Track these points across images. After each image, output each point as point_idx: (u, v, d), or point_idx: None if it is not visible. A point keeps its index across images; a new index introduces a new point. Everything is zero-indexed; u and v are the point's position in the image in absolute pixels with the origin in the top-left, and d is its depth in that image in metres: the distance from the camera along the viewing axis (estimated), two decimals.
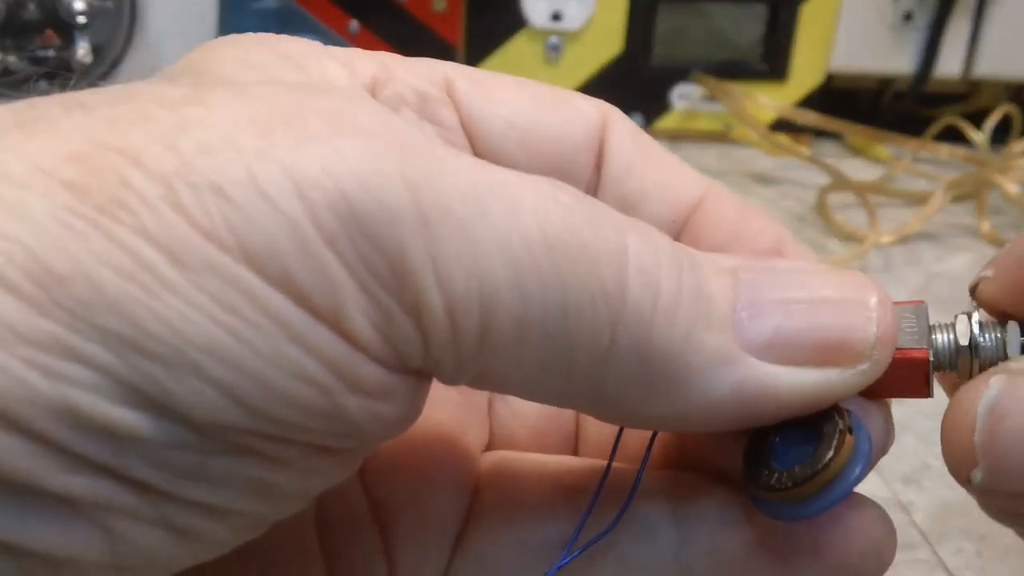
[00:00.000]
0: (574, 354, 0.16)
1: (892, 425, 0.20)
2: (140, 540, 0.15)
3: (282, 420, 0.15)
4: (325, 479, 0.17)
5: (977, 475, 0.17)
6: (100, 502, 0.14)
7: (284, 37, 0.20)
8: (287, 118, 0.15)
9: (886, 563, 0.20)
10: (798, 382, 0.17)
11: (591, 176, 0.21)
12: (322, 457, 0.16)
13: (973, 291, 0.20)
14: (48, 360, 0.13)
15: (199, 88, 0.15)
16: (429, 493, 0.22)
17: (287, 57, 0.19)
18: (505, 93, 0.21)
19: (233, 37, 0.19)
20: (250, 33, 0.20)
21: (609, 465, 0.21)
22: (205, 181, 0.14)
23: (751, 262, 0.18)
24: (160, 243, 0.14)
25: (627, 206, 0.21)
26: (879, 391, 0.19)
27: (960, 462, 0.17)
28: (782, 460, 0.18)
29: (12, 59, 0.53)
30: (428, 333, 0.15)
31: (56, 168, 0.14)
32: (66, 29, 0.55)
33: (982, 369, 0.18)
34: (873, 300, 0.18)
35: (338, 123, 0.15)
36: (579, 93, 0.22)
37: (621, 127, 0.22)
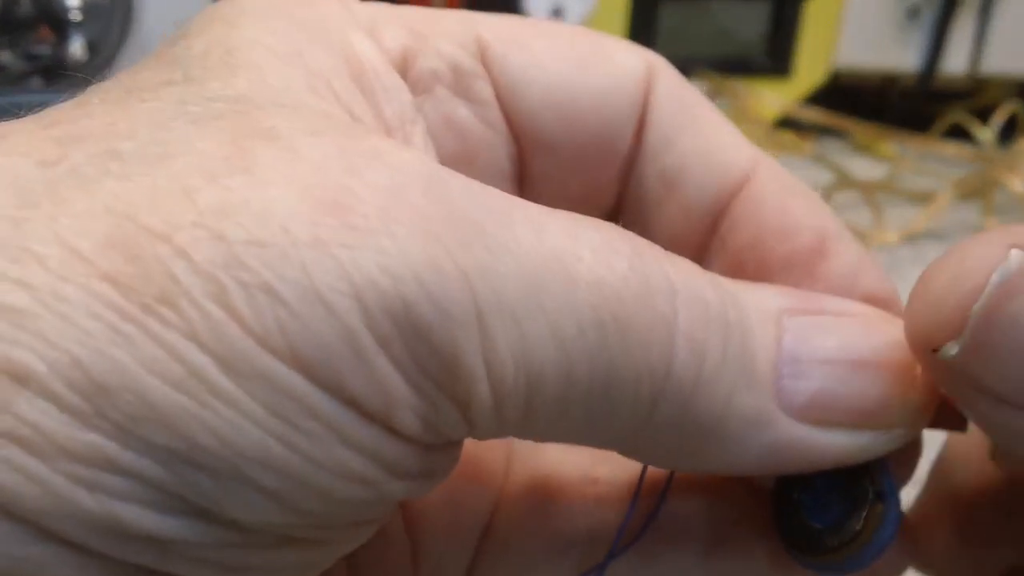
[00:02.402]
0: (612, 421, 0.16)
1: (921, 452, 0.20)
2: None
3: (326, 513, 0.14)
4: (358, 542, 0.17)
5: (953, 348, 0.15)
6: None
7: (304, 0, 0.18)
8: (338, 196, 0.14)
9: (905, 568, 0.20)
10: (831, 444, 0.17)
11: (631, 144, 0.20)
12: (358, 528, 0.16)
13: None
14: (92, 475, 0.12)
15: (242, 139, 0.14)
16: (456, 481, 0.21)
17: (313, 34, 0.18)
18: (543, 54, 0.20)
19: (251, 2, 0.18)
20: None
21: (642, 478, 0.20)
22: (257, 280, 0.13)
23: (798, 302, 0.17)
24: (211, 349, 0.13)
25: (667, 180, 0.20)
26: None
27: (938, 328, 0.15)
28: (811, 514, 0.18)
29: (6, 56, 0.52)
30: (473, 419, 0.15)
31: (95, 256, 0.13)
32: (61, 26, 0.55)
33: None
34: (919, 368, 0.17)
35: (393, 206, 0.14)
36: (623, 42, 0.20)
37: (666, 85, 0.20)
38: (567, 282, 0.15)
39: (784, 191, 0.20)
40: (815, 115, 0.69)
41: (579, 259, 0.15)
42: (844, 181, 0.64)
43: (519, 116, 0.20)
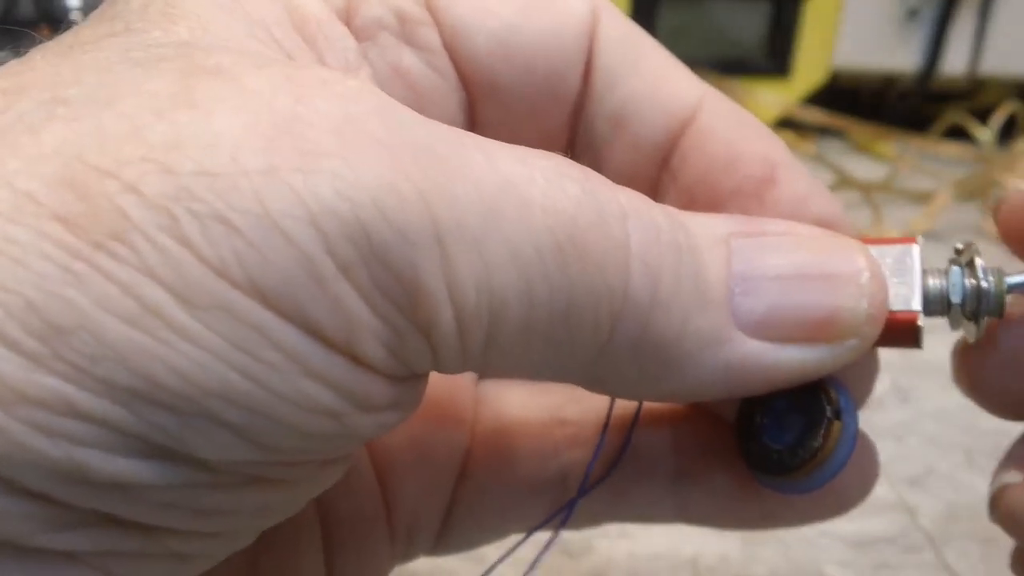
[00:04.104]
0: (574, 347, 0.16)
1: (877, 370, 0.20)
2: (142, 574, 0.14)
3: (294, 449, 0.14)
4: (327, 483, 0.17)
5: None
6: (104, 551, 0.14)
7: None
8: (289, 125, 0.13)
9: (870, 489, 0.21)
10: (787, 359, 0.17)
11: (579, 87, 0.20)
12: (326, 467, 0.16)
13: (996, 213, 0.20)
14: (51, 419, 0.12)
15: (187, 77, 0.14)
16: (425, 430, 0.21)
17: None
18: None
19: None
20: None
21: (609, 413, 0.21)
22: (210, 210, 0.13)
23: (743, 226, 0.18)
24: (166, 282, 0.12)
25: (616, 120, 0.20)
26: None
27: None
28: (772, 436, 0.19)
29: (7, 56, 0.53)
30: (437, 346, 0.15)
31: (45, 197, 0.12)
32: (61, 26, 0.55)
33: (976, 315, 0.18)
34: (865, 276, 0.17)
35: (346, 131, 0.14)
36: None
37: (611, 25, 0.20)
38: (523, 206, 0.15)
39: (732, 123, 0.20)
40: (814, 115, 0.69)
41: (533, 183, 0.15)
42: (844, 181, 0.64)
43: (467, 62, 0.19)
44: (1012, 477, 0.20)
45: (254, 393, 0.13)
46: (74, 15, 0.55)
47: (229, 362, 0.13)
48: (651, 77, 0.20)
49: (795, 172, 0.20)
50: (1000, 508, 0.20)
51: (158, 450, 0.13)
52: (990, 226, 0.61)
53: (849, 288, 0.17)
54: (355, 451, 0.17)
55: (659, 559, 0.34)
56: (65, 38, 0.16)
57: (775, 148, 0.20)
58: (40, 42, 0.16)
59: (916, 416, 0.42)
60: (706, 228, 0.17)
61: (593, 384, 0.17)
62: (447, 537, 0.22)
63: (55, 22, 0.55)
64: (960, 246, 0.19)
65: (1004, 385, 0.20)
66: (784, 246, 0.18)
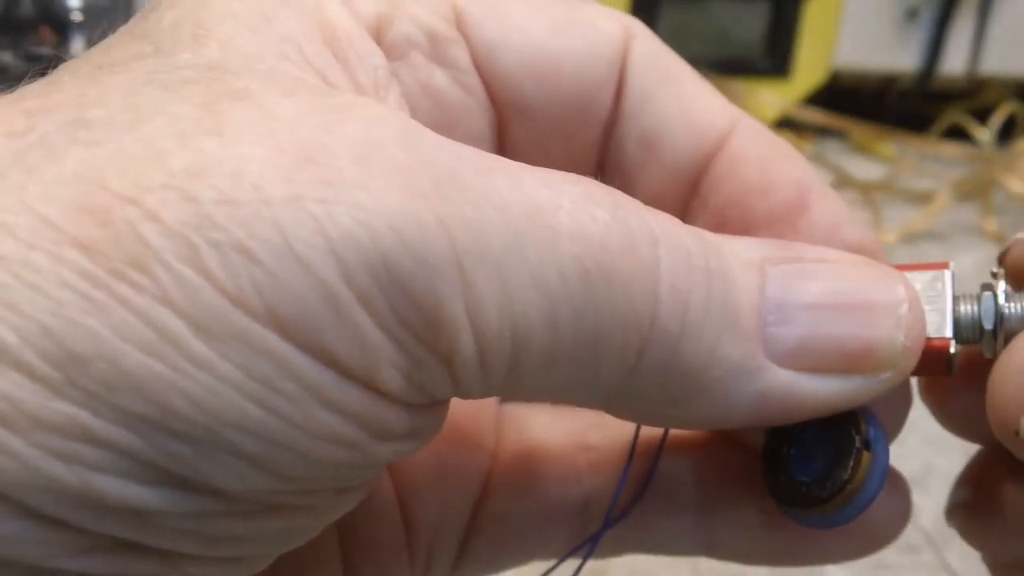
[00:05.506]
0: (599, 373, 0.15)
1: (910, 402, 0.20)
2: None
3: (311, 478, 0.14)
4: (345, 509, 0.16)
5: None
6: (119, 575, 0.14)
7: None
8: (312, 152, 0.13)
9: (902, 527, 0.20)
10: (819, 390, 0.17)
11: (610, 108, 0.20)
12: (344, 494, 0.16)
13: (1003, 258, 0.19)
14: (67, 446, 0.12)
15: (214, 102, 0.14)
16: (447, 453, 0.21)
17: (285, 1, 0.17)
18: (520, 19, 0.19)
19: None
20: None
21: (635, 441, 0.21)
22: (230, 239, 0.13)
23: (778, 251, 0.17)
24: (184, 312, 0.12)
25: (647, 141, 0.20)
26: None
27: (1012, 408, 0.16)
28: (800, 468, 0.18)
29: (7, 56, 0.52)
30: (458, 373, 0.15)
31: (65, 222, 0.12)
32: (62, 26, 0.55)
33: (1007, 342, 0.18)
34: (903, 308, 0.17)
35: (368, 157, 0.14)
36: (599, 6, 0.20)
37: (643, 47, 0.20)
38: (548, 231, 0.14)
39: (763, 147, 0.20)
40: (814, 115, 0.69)
41: (559, 208, 0.15)
42: (843, 181, 0.64)
43: (497, 82, 0.19)
44: (961, 496, 0.20)
45: (270, 423, 0.13)
46: (74, 15, 0.55)
47: (245, 392, 0.13)
48: (683, 100, 0.20)
49: (828, 198, 0.20)
50: (953, 524, 0.21)
51: (174, 478, 0.13)
52: (990, 226, 0.61)
53: (888, 320, 0.17)
54: (374, 478, 0.16)
55: (659, 558, 0.34)
56: (94, 56, 0.16)
57: (807, 173, 0.20)
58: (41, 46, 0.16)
59: (916, 416, 0.42)
60: (739, 252, 0.17)
61: (618, 410, 0.17)
62: (465, 561, 0.22)
63: (56, 22, 0.55)
64: (996, 270, 0.18)
65: (965, 411, 0.20)
66: (821, 274, 0.17)
